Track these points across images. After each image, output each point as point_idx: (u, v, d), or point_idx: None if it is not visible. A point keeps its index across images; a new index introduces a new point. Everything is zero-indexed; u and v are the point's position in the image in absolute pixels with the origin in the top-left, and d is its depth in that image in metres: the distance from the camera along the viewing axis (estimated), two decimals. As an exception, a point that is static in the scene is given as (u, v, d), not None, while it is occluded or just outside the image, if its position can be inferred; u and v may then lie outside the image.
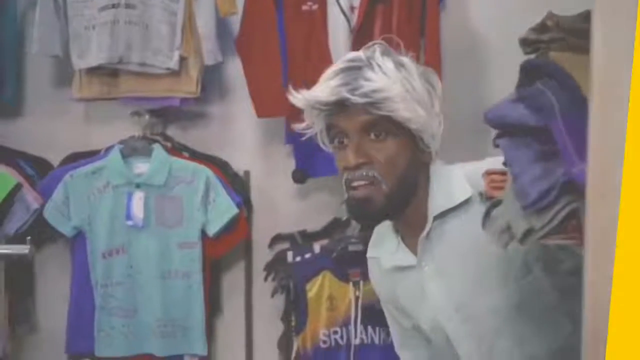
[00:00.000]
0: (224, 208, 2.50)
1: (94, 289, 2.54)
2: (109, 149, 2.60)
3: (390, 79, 1.41)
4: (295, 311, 2.53)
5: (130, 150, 2.55)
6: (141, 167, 2.54)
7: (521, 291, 1.43)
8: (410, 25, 2.45)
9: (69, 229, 2.53)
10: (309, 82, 2.41)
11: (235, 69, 2.69)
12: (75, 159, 2.64)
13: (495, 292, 1.45)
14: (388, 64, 1.42)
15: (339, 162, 1.46)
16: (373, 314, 2.46)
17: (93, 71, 2.53)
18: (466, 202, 1.44)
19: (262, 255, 2.73)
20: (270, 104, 2.48)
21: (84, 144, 2.76)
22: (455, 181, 1.46)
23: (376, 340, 2.47)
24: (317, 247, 2.57)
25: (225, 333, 2.77)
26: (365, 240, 2.48)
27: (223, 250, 2.60)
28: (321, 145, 1.50)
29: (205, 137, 2.78)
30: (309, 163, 2.58)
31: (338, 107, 1.42)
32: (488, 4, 2.66)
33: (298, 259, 2.56)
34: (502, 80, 2.58)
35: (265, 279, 2.62)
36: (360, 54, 1.47)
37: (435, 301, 1.50)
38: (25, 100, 2.83)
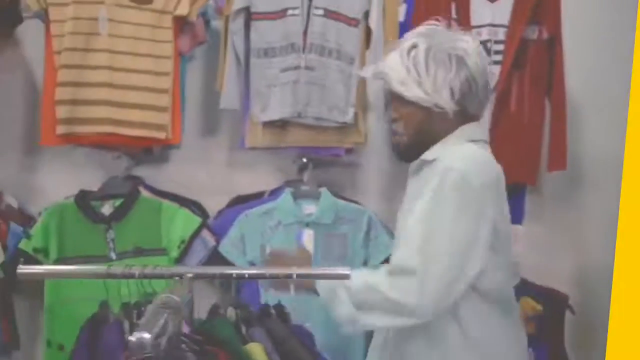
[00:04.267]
0: (385, 244, 2.86)
1: (264, 317, 2.82)
2: (274, 192, 2.92)
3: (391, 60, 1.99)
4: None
5: (299, 193, 2.87)
6: (309, 208, 2.87)
7: None
8: (539, 86, 2.93)
9: (244, 263, 2.82)
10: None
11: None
12: (240, 201, 2.94)
13: None
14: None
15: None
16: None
17: (266, 123, 2.85)
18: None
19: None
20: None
21: (228, 189, 3.06)
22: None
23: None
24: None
25: None
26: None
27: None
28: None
29: (334, 182, 3.13)
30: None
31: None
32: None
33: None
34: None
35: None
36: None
37: None
38: (169, 148, 3.10)
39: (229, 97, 2.83)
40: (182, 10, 2.78)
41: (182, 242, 2.77)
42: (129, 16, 2.75)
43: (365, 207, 2.92)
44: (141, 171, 3.07)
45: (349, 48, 2.81)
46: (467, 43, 1.96)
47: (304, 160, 2.91)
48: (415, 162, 2.01)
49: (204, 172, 3.11)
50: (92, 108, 2.72)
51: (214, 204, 3.02)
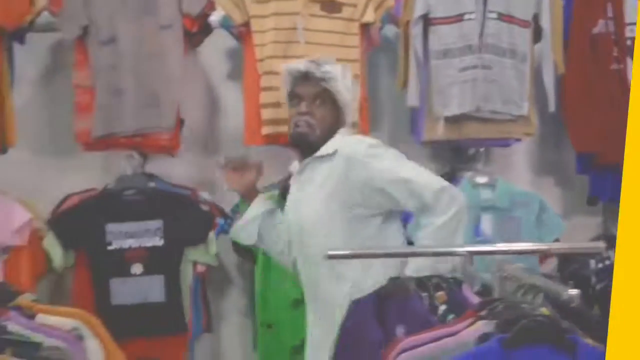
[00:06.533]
0: (555, 226, 3.15)
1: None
2: (451, 179, 3.16)
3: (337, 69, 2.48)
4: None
5: (476, 180, 3.15)
6: (486, 193, 3.14)
7: None
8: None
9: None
10: (614, 121, 3.16)
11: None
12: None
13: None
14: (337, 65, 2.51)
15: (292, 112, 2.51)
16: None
17: (445, 118, 3.12)
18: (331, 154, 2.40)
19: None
20: (589, 140, 3.18)
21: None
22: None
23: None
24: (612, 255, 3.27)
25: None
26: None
27: (543, 260, 3.25)
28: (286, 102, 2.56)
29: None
30: (601, 190, 3.29)
31: (302, 78, 2.47)
32: None
33: (600, 265, 3.25)
34: None
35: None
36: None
37: None
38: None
39: (412, 95, 3.11)
40: (368, 17, 3.05)
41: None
42: (322, 25, 3.02)
43: (535, 192, 3.20)
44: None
45: (522, 47, 3.09)
46: None
47: (480, 150, 3.18)
48: (312, 158, 2.45)
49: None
50: (293, 109, 2.98)
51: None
